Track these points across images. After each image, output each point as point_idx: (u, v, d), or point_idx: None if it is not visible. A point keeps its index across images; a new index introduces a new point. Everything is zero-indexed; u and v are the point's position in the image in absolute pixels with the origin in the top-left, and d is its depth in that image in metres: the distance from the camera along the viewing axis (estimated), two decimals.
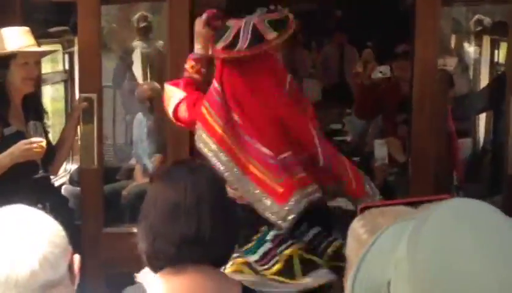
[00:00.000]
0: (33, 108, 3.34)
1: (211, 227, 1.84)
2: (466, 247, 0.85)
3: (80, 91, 3.69)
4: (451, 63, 5.81)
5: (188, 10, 3.67)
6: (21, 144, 3.13)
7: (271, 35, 2.96)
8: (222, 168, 2.82)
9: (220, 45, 2.99)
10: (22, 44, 3.25)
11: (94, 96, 3.62)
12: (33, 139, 3.15)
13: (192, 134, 3.85)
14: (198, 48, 3.17)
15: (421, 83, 3.61)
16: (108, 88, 6.29)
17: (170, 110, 3.10)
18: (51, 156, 3.42)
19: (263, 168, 2.86)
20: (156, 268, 1.88)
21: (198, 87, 3.12)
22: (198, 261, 1.84)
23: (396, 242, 0.92)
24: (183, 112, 3.04)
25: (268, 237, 2.97)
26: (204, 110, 2.93)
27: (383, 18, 6.64)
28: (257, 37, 2.95)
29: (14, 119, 3.26)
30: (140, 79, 6.16)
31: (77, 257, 1.51)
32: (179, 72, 3.60)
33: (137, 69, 6.30)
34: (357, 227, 1.61)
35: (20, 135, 3.20)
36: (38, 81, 3.44)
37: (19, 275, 1.39)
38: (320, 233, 3.00)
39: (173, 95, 3.11)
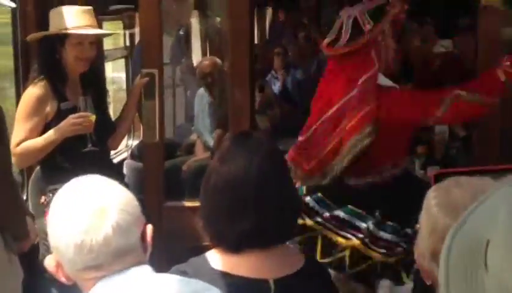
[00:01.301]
0: (91, 84, 3.37)
1: (272, 218, 1.83)
2: None
3: (142, 67, 3.73)
4: None
5: None
6: (69, 119, 3.17)
7: (370, 26, 2.92)
8: None
9: (327, 40, 3.01)
10: (77, 24, 3.26)
11: (155, 71, 3.66)
12: (81, 113, 3.18)
13: (252, 108, 3.88)
14: None
15: (485, 56, 3.52)
16: (166, 65, 6.36)
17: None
18: (108, 131, 3.46)
19: None
20: (217, 247, 1.89)
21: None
22: (257, 247, 1.85)
23: (505, 204, 0.89)
24: None
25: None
26: None
27: None
28: (357, 30, 2.93)
29: (72, 94, 3.30)
30: (199, 56, 6.19)
31: (149, 227, 1.53)
32: (240, 49, 3.63)
33: (196, 45, 6.33)
34: (430, 198, 1.57)
35: (76, 111, 3.23)
36: (95, 59, 3.45)
37: (93, 240, 1.43)
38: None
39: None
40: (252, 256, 1.84)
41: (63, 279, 1.52)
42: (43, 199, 3.27)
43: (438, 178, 1.76)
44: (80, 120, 3.17)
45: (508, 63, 2.82)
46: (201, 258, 1.91)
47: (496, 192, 0.95)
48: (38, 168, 3.45)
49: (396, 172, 3.04)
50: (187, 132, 5.75)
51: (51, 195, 3.10)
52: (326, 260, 2.92)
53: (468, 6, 4.09)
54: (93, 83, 3.39)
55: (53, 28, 3.28)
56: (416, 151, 4.33)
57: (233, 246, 1.84)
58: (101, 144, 3.38)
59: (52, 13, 3.31)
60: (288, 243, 2.07)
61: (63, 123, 3.17)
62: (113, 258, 1.45)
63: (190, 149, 5.37)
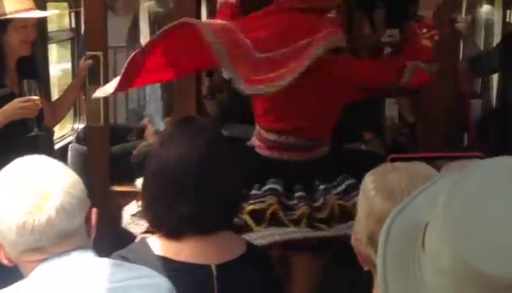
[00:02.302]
0: (28, 69, 3.31)
1: (212, 204, 1.83)
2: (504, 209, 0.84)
3: (87, 50, 3.68)
4: (462, 22, 5.73)
5: None
6: (15, 103, 3.13)
7: None
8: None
9: None
10: (19, 8, 3.19)
11: (100, 54, 3.61)
12: (29, 97, 3.14)
13: (198, 92, 3.85)
14: None
15: None
16: (122, 48, 6.26)
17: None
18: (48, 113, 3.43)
19: None
20: (157, 232, 1.88)
21: (232, 12, 3.18)
22: (198, 232, 1.83)
23: (445, 192, 0.91)
24: None
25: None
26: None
27: None
28: None
29: (8, 81, 3.25)
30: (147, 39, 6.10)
31: (94, 211, 1.52)
32: None
33: (145, 29, 6.24)
34: (368, 182, 1.59)
35: (13, 97, 3.19)
36: (35, 43, 3.39)
37: (36, 222, 1.41)
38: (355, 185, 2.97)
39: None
40: (193, 242, 1.83)
41: (5, 261, 1.51)
42: None
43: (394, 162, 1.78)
44: (28, 104, 3.13)
45: (425, 29, 3.00)
46: (142, 244, 1.89)
47: (439, 181, 0.99)
48: None
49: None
50: (139, 116, 5.69)
51: None
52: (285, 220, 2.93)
53: None
54: (30, 67, 3.33)
55: None
56: (364, 136, 4.37)
57: (172, 231, 1.83)
58: (44, 128, 3.34)
59: None
60: None
61: (8, 106, 3.12)
62: (55, 241, 1.44)
63: (141, 134, 5.32)
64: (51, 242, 1.44)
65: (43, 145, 3.30)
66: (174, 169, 1.83)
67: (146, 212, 1.90)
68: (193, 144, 1.86)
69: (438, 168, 1.72)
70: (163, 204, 1.83)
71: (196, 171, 1.82)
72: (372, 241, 1.52)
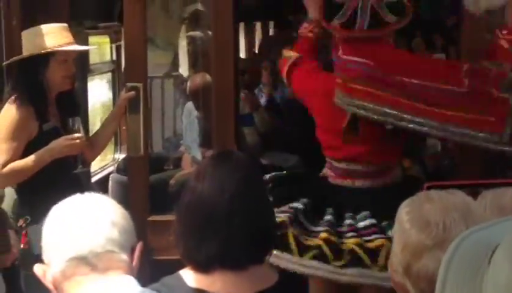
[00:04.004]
0: (68, 103, 3.33)
1: (241, 243, 1.81)
2: None
3: (126, 81, 3.74)
4: None
5: (231, 0, 3.67)
6: (62, 140, 3.15)
7: (391, 18, 3.00)
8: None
9: (336, 22, 3.06)
10: (62, 42, 3.24)
11: (140, 85, 3.66)
12: (75, 135, 3.17)
13: (236, 122, 3.88)
14: (310, 12, 3.35)
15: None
16: (157, 79, 6.37)
17: (284, 72, 3.32)
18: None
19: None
20: (187, 265, 1.88)
21: (313, 46, 3.33)
22: (227, 268, 1.83)
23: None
24: (296, 75, 3.28)
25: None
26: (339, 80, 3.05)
27: None
28: (376, 19, 3.01)
29: (51, 115, 3.27)
30: (186, 70, 6.21)
31: (140, 244, 1.56)
32: (224, 61, 3.64)
33: (184, 60, 6.35)
34: (403, 214, 1.57)
35: (56, 131, 3.22)
36: (75, 76, 3.45)
37: (88, 253, 1.47)
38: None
39: (289, 57, 3.33)
40: (223, 276, 1.83)
41: (50, 286, 1.54)
42: (21, 222, 3.20)
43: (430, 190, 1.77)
44: (74, 142, 3.16)
45: (505, 31, 2.94)
46: (175, 276, 1.89)
47: (463, 241, 1.02)
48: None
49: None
50: (175, 145, 5.75)
51: (29, 217, 3.08)
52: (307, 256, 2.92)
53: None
54: (70, 102, 3.35)
55: (33, 49, 3.22)
56: (403, 164, 4.34)
57: (201, 266, 1.83)
58: (86, 164, 3.38)
59: (28, 34, 3.27)
60: None
61: (55, 144, 3.15)
62: (103, 271, 1.49)
63: (178, 163, 5.37)
64: (99, 273, 1.49)
65: (83, 180, 3.33)
66: (205, 204, 1.83)
67: (177, 245, 1.90)
68: (226, 180, 1.85)
69: (475, 196, 1.70)
70: (192, 238, 1.83)
71: (227, 207, 1.82)
72: (408, 273, 1.50)
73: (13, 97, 3.17)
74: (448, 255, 1.00)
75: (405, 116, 2.93)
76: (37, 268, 1.55)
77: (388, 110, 2.95)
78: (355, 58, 3.02)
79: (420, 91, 2.92)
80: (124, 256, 1.52)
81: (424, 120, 2.91)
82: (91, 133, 3.77)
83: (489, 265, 0.93)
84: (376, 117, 2.98)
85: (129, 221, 1.56)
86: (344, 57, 3.05)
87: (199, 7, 6.22)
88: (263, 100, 6.30)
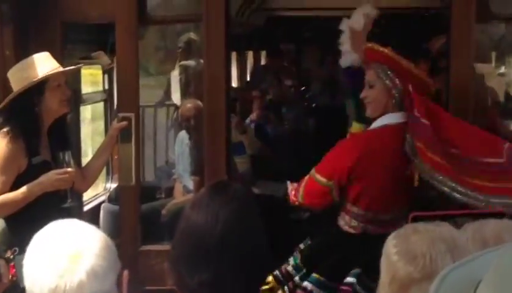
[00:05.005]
0: (60, 137, 3.33)
1: (233, 273, 1.82)
2: None
3: (119, 111, 3.75)
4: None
5: (224, 30, 3.71)
6: (52, 174, 3.14)
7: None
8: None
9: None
10: (50, 68, 3.24)
11: (132, 115, 3.68)
12: (66, 169, 3.15)
13: (228, 152, 3.89)
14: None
15: (456, 97, 3.61)
16: (149, 108, 6.38)
17: None
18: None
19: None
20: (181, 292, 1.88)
21: None
22: None
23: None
24: None
25: None
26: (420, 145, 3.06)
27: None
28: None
29: (42, 147, 3.26)
30: (179, 100, 6.22)
31: (125, 273, 1.54)
32: (216, 91, 3.66)
33: (176, 89, 6.37)
34: (390, 246, 1.58)
35: (46, 165, 3.21)
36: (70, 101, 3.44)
37: (67, 285, 1.43)
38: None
39: None
40: None
41: None
42: (9, 253, 3.16)
43: (415, 220, 1.78)
44: (65, 176, 3.15)
45: None
46: None
47: (503, 249, 1.03)
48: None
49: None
50: (167, 174, 5.74)
51: (17, 249, 3.06)
52: None
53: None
54: (61, 135, 3.33)
55: (23, 82, 3.19)
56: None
57: (193, 291, 1.83)
58: (77, 197, 3.35)
59: (14, 72, 3.26)
60: None
61: (45, 178, 3.13)
62: None
63: (170, 192, 5.36)
64: None
65: (74, 212, 3.29)
66: (198, 234, 1.84)
67: (171, 272, 1.91)
68: (220, 210, 1.86)
69: (459, 226, 1.71)
70: (185, 266, 1.84)
71: (219, 237, 1.83)
72: None
73: (5, 130, 3.16)
74: (434, 287, 1.01)
75: (460, 189, 2.98)
76: None
77: (453, 184, 3.01)
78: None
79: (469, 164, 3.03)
80: (107, 286, 1.49)
81: (472, 193, 2.97)
82: (84, 159, 3.75)
83: None
84: (446, 189, 3.02)
85: (111, 249, 1.53)
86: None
87: (192, 36, 6.26)
88: (252, 126, 6.32)
